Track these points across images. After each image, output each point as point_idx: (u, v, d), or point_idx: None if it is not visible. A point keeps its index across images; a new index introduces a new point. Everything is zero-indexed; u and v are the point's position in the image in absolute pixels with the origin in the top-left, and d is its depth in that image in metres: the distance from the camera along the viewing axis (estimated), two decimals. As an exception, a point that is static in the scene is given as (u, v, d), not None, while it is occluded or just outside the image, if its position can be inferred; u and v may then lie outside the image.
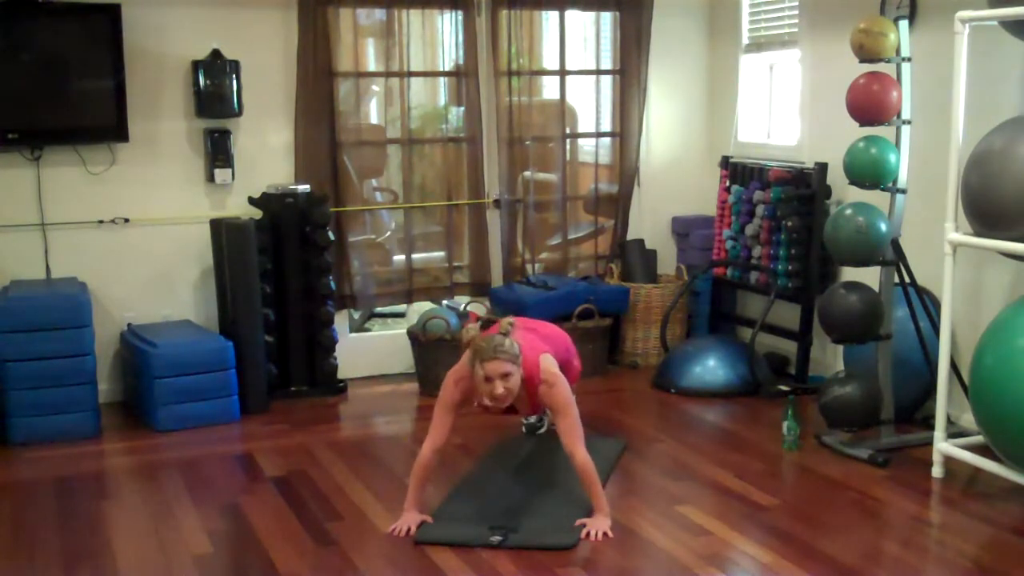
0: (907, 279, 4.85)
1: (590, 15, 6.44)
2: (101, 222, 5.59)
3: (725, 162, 6.37)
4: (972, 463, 4.34)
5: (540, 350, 4.09)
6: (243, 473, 4.75)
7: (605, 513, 3.94)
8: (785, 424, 4.84)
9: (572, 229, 6.59)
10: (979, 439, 4.38)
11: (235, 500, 4.36)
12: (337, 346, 5.86)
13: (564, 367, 4.26)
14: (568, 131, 6.49)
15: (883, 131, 4.64)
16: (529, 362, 3.96)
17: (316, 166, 5.86)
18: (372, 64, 6.21)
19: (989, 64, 4.58)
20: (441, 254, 6.34)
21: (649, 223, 6.67)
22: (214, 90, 5.60)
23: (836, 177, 5.35)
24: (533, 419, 4.98)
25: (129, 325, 5.60)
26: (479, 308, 6.16)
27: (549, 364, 4.04)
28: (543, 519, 4.01)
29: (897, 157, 4.65)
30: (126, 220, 5.63)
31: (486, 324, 5.76)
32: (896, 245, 4.78)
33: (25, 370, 4.99)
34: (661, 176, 6.67)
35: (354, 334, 6.35)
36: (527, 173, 6.40)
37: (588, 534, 3.87)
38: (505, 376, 3.85)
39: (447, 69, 6.13)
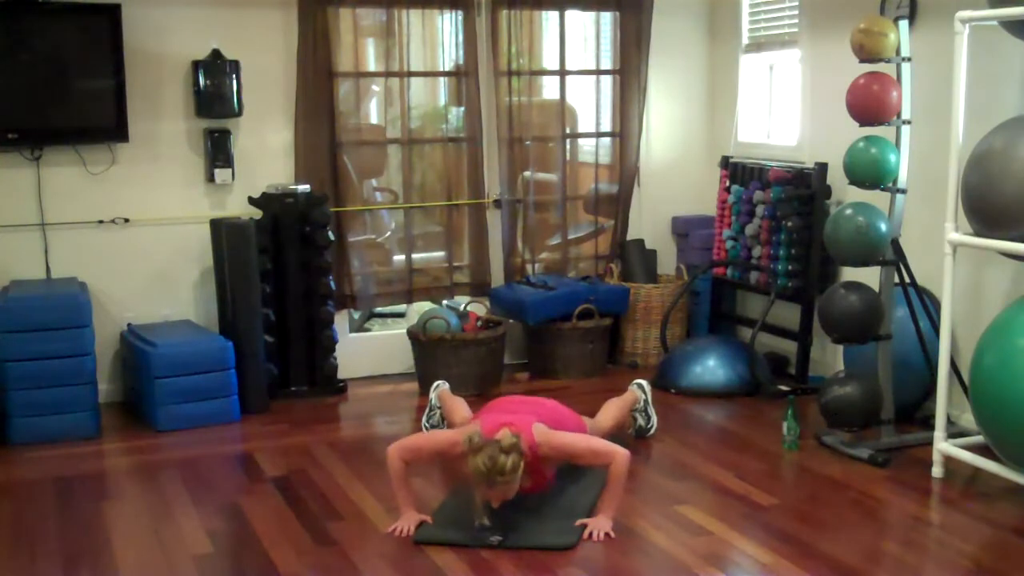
0: (907, 279, 4.85)
1: (590, 15, 6.44)
2: (101, 222, 5.59)
3: (725, 162, 6.37)
4: (972, 463, 4.34)
5: (530, 421, 4.04)
6: (243, 473, 4.75)
7: (609, 515, 3.94)
8: (785, 424, 4.84)
9: (572, 229, 6.58)
10: (979, 439, 4.38)
11: (235, 500, 4.36)
12: (337, 346, 5.85)
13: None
14: (568, 131, 6.49)
15: (883, 131, 4.64)
16: (524, 436, 3.90)
17: (316, 166, 5.86)
18: (372, 64, 6.21)
19: (989, 64, 4.57)
20: (441, 254, 6.34)
21: (649, 223, 6.67)
22: (214, 90, 5.60)
23: (836, 177, 5.35)
24: (640, 422, 4.99)
25: (129, 325, 5.60)
26: (479, 308, 6.16)
27: (541, 429, 4.02)
28: (543, 519, 4.01)
29: (897, 157, 4.65)
30: (126, 220, 5.63)
31: (487, 324, 5.80)
32: (896, 245, 4.78)
33: (25, 370, 4.98)
34: (661, 176, 6.67)
35: (354, 334, 6.35)
36: (527, 173, 6.40)
37: (590, 535, 3.87)
38: (506, 493, 3.83)
39: (447, 69, 6.13)
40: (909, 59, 4.64)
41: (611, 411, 4.82)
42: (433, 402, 4.98)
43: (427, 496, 4.21)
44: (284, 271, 5.69)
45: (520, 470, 3.80)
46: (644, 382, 5.03)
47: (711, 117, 6.73)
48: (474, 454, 3.76)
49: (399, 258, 6.28)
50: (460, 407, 4.78)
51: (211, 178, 5.70)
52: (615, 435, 4.66)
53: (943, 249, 4.35)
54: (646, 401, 4.98)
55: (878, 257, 4.71)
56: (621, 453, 3.96)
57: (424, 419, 4.99)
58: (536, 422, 4.06)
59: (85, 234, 5.56)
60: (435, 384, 5.05)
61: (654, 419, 5.00)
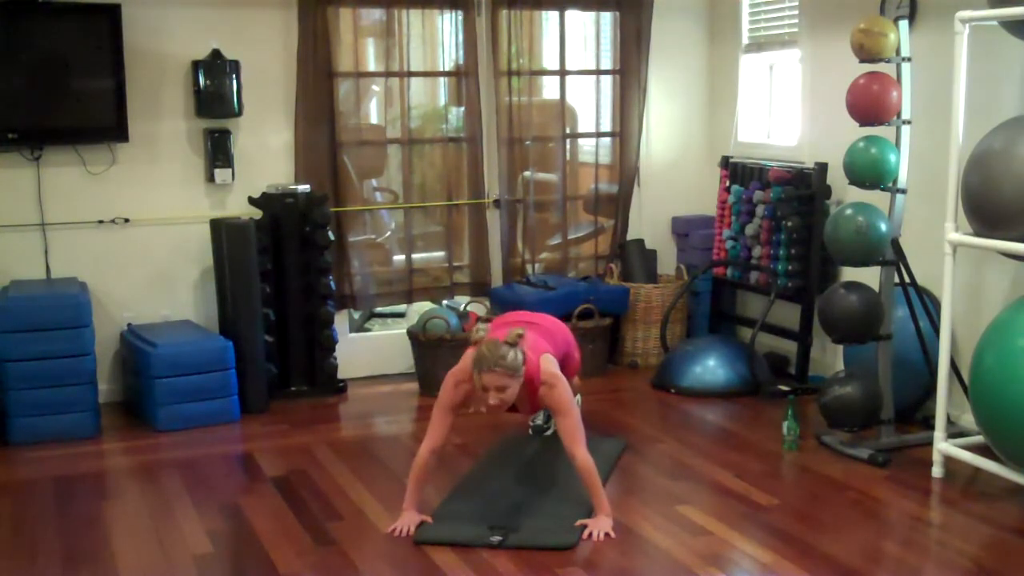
0: (907, 279, 4.85)
1: (590, 15, 6.44)
2: (101, 222, 5.59)
3: (725, 162, 6.37)
4: (972, 463, 4.34)
5: (541, 350, 4.09)
6: (243, 473, 4.75)
7: (606, 513, 3.94)
8: (785, 424, 4.84)
9: (572, 229, 6.58)
10: (979, 439, 4.38)
11: (235, 500, 4.36)
12: (337, 346, 5.85)
13: (564, 361, 4.31)
14: (568, 131, 6.49)
15: (883, 131, 4.64)
16: (530, 363, 3.96)
17: (316, 166, 5.86)
18: (372, 64, 6.21)
19: (989, 64, 4.58)
20: (441, 254, 6.34)
21: (649, 223, 6.67)
22: (214, 90, 5.60)
23: (836, 177, 5.35)
24: (540, 420, 4.98)
25: (129, 325, 5.60)
26: (479, 308, 6.16)
27: (549, 365, 4.04)
28: (543, 519, 4.01)
29: (897, 157, 4.65)
30: (126, 220, 5.63)
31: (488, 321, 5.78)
32: (896, 245, 4.78)
33: (25, 370, 4.98)
34: (661, 176, 6.67)
35: (354, 334, 6.35)
36: (527, 173, 6.40)
37: (590, 535, 3.87)
38: (501, 388, 3.85)
39: (447, 69, 6.13)
40: (909, 59, 4.64)
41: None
42: None
43: (427, 496, 4.20)
44: (284, 271, 5.69)
45: (521, 368, 3.85)
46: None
47: (711, 117, 6.73)
48: (478, 344, 3.87)
49: (399, 258, 6.28)
50: None
51: (211, 178, 5.70)
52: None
53: (943, 249, 4.35)
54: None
55: (878, 257, 4.71)
56: (587, 458, 3.92)
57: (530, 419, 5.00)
58: (546, 352, 4.10)
59: (85, 234, 5.56)
60: None
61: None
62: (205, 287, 5.79)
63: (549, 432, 4.92)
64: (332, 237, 5.74)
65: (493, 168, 6.28)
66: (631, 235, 6.59)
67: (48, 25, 5.30)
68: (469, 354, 3.98)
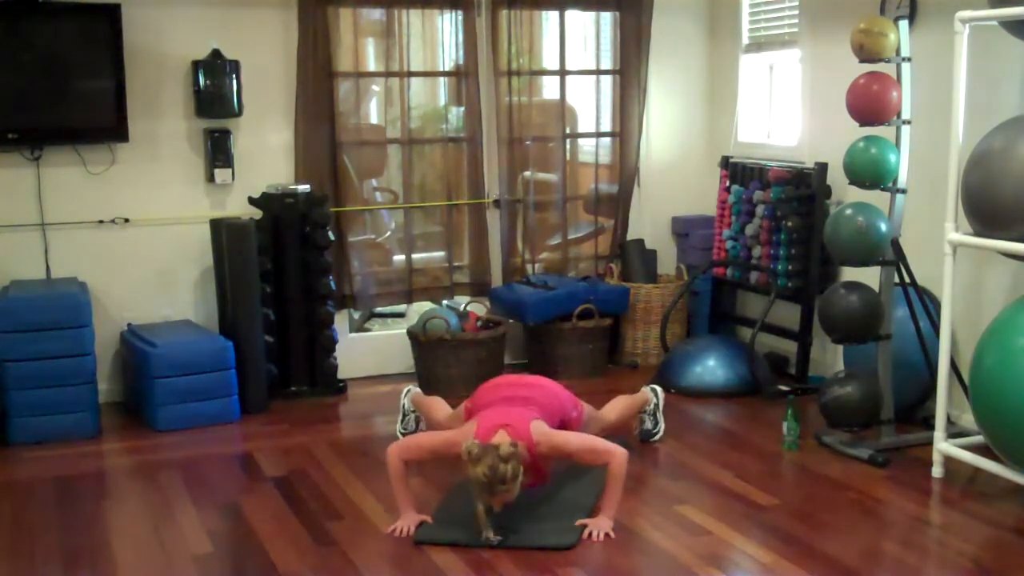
0: (907, 279, 4.85)
1: (590, 15, 6.44)
2: (101, 222, 5.59)
3: (725, 162, 6.37)
4: (972, 463, 4.34)
5: (528, 418, 4.03)
6: (243, 473, 4.75)
7: (610, 516, 3.93)
8: (785, 424, 4.84)
9: (572, 229, 6.58)
10: (979, 439, 4.38)
11: (235, 500, 4.36)
12: (337, 346, 5.85)
13: (564, 426, 4.25)
14: (568, 131, 6.49)
15: (883, 131, 4.64)
16: (522, 436, 3.91)
17: (316, 166, 5.86)
18: (372, 64, 6.21)
19: (989, 64, 4.57)
20: (441, 254, 6.34)
21: (649, 223, 6.67)
22: (214, 90, 5.60)
23: (836, 177, 5.35)
24: (648, 425, 4.94)
25: (129, 325, 5.60)
26: (479, 308, 6.16)
27: (539, 428, 4.00)
28: (543, 519, 4.01)
29: (897, 157, 4.65)
30: (126, 220, 5.63)
31: (487, 324, 5.79)
32: (896, 245, 4.78)
33: (25, 370, 4.99)
34: (661, 176, 6.67)
35: (354, 334, 6.35)
36: (527, 173, 6.40)
37: (590, 535, 3.87)
38: (505, 499, 3.83)
39: (447, 69, 6.13)
40: (909, 59, 4.64)
41: (618, 407, 4.82)
42: (406, 407, 4.97)
43: (427, 496, 4.21)
44: (284, 271, 5.69)
45: (520, 476, 3.79)
46: (659, 388, 5.03)
47: (711, 117, 6.72)
48: (474, 464, 3.74)
49: (399, 258, 6.28)
50: (439, 406, 4.77)
51: (211, 178, 5.70)
52: (617, 433, 4.65)
53: (943, 249, 4.35)
54: (657, 406, 4.96)
55: (878, 257, 4.71)
56: (620, 452, 3.96)
57: (399, 425, 4.97)
58: (534, 419, 4.04)
59: (85, 234, 5.56)
60: (405, 389, 5.04)
61: (662, 424, 4.96)
62: (205, 287, 5.79)
63: (658, 436, 4.94)
64: (332, 237, 5.74)
65: (493, 168, 6.28)
66: (631, 235, 6.59)
67: (48, 25, 5.30)
68: (468, 432, 3.95)
